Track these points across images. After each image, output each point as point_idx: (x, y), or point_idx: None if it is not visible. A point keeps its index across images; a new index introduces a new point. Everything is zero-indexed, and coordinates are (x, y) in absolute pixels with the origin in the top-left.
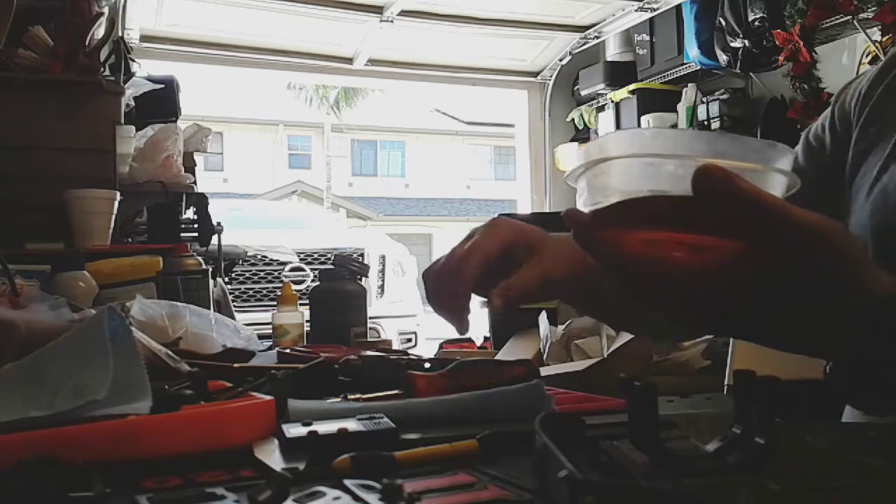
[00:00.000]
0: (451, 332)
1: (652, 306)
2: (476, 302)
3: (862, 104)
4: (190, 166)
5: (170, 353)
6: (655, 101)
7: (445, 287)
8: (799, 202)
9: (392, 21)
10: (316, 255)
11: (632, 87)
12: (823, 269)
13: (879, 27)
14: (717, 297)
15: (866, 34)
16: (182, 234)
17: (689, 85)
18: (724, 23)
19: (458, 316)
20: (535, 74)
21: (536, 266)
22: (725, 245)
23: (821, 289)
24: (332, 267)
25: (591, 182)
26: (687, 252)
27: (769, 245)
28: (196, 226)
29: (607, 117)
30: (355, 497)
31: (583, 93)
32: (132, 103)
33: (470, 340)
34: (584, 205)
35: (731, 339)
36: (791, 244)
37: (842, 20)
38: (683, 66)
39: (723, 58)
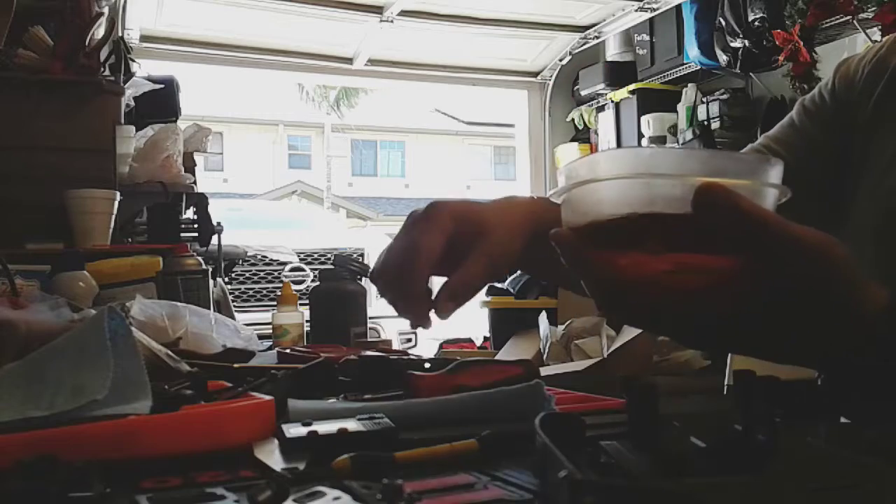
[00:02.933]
0: (450, 333)
1: (651, 329)
2: (475, 303)
3: (871, 75)
4: (190, 166)
5: (170, 353)
6: (655, 101)
7: (398, 292)
8: (804, 160)
9: (392, 21)
10: (316, 255)
11: (632, 87)
12: (822, 282)
13: (879, 27)
14: (714, 318)
15: (866, 34)
16: (182, 234)
17: (689, 85)
18: (724, 23)
19: (417, 316)
20: (535, 74)
21: (480, 256)
22: (725, 264)
23: (819, 302)
24: (332, 267)
25: (580, 202)
26: (688, 274)
27: (771, 261)
28: (196, 226)
29: (607, 117)
30: (355, 497)
31: (583, 93)
32: (132, 103)
33: (470, 340)
34: (569, 226)
35: None
36: (791, 259)
37: (842, 20)
38: (683, 66)
39: (723, 58)
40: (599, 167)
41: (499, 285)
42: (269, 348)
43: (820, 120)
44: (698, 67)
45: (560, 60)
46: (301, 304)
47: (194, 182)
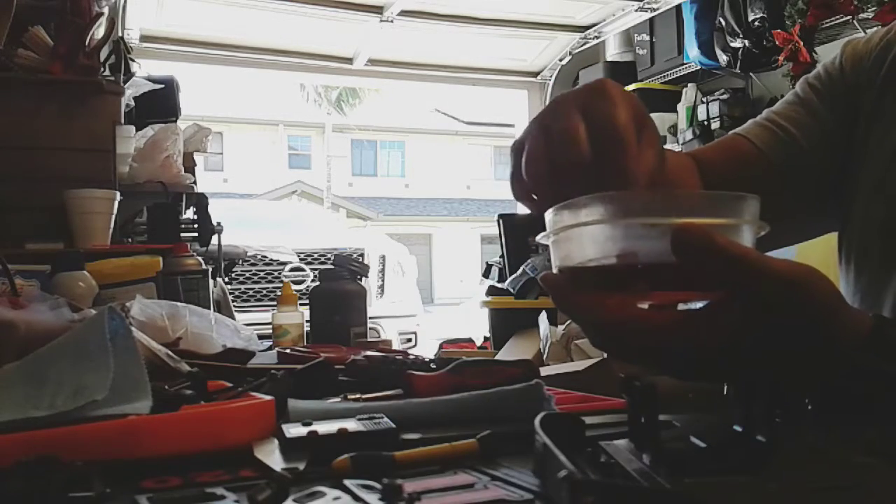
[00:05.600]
0: (450, 332)
1: (642, 364)
2: (475, 303)
3: (878, 60)
4: (190, 166)
5: (170, 353)
6: (655, 101)
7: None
8: (814, 139)
9: (392, 21)
10: (316, 255)
11: (632, 87)
12: (803, 315)
13: (879, 27)
14: (699, 352)
15: (866, 34)
16: (182, 234)
17: (689, 85)
18: (724, 23)
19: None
20: (535, 74)
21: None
22: (708, 300)
23: (802, 334)
24: (332, 267)
25: (566, 246)
26: (671, 311)
27: (752, 296)
28: (196, 226)
29: None
30: (355, 497)
31: None
32: (132, 103)
33: (470, 340)
34: (558, 269)
35: None
36: (772, 294)
37: (842, 20)
38: (683, 66)
39: (723, 58)
40: (581, 212)
41: (499, 285)
42: (269, 348)
43: (830, 99)
44: (698, 67)
45: (560, 60)
46: (301, 304)
47: (194, 182)
